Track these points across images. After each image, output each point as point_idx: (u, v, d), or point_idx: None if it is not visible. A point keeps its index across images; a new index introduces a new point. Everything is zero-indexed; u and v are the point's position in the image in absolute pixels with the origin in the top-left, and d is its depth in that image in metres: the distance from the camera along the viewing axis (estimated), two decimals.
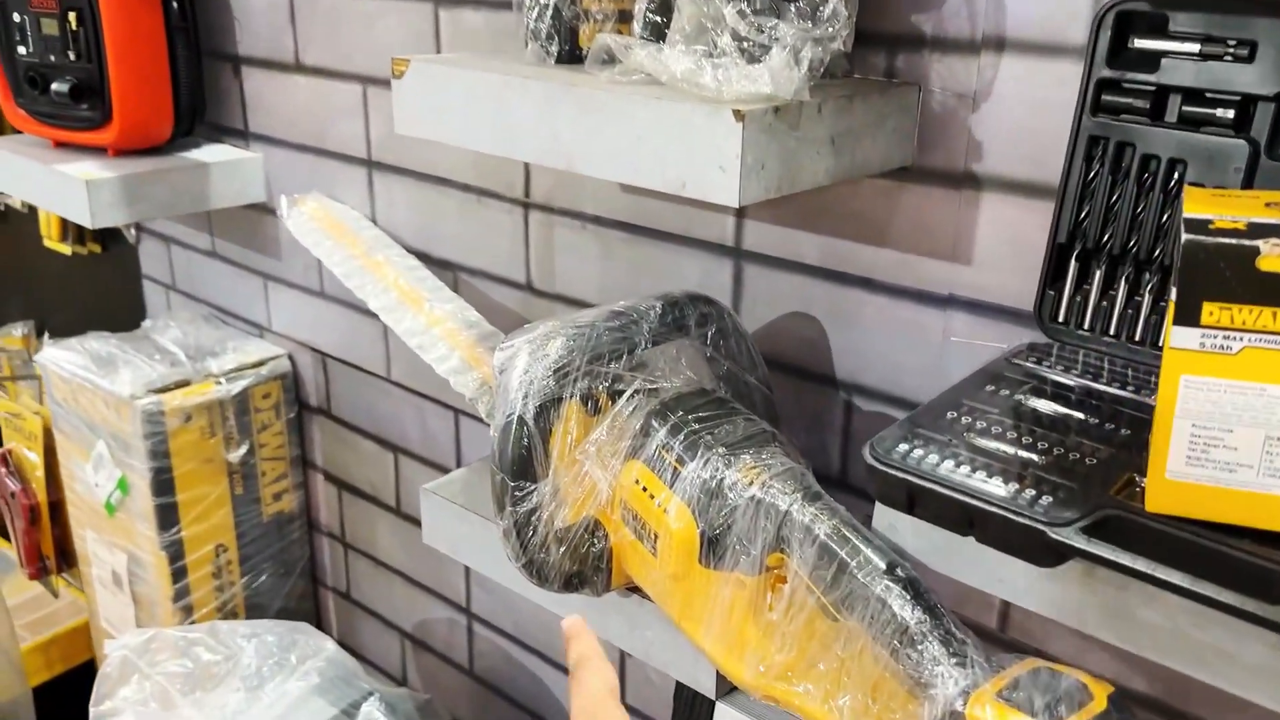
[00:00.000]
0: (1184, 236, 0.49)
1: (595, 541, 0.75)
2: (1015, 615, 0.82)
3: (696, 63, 0.65)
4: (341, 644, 1.35)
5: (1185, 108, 0.65)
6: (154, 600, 1.42)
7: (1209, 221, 0.49)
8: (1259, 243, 0.47)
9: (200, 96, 1.33)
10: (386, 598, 1.46)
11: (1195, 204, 0.51)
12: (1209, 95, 0.64)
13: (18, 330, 2.04)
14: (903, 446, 0.60)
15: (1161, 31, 0.64)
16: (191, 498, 1.37)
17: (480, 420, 1.01)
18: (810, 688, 0.64)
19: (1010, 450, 0.60)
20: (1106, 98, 0.67)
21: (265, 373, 1.40)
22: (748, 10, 0.65)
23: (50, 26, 1.24)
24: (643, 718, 1.16)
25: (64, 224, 1.79)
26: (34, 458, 1.68)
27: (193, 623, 1.41)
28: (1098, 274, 0.69)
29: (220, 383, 1.36)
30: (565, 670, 1.21)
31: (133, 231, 1.63)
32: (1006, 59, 0.72)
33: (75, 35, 1.22)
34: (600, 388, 0.74)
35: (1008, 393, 0.66)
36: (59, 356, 1.40)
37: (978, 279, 0.77)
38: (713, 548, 0.68)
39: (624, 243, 1.00)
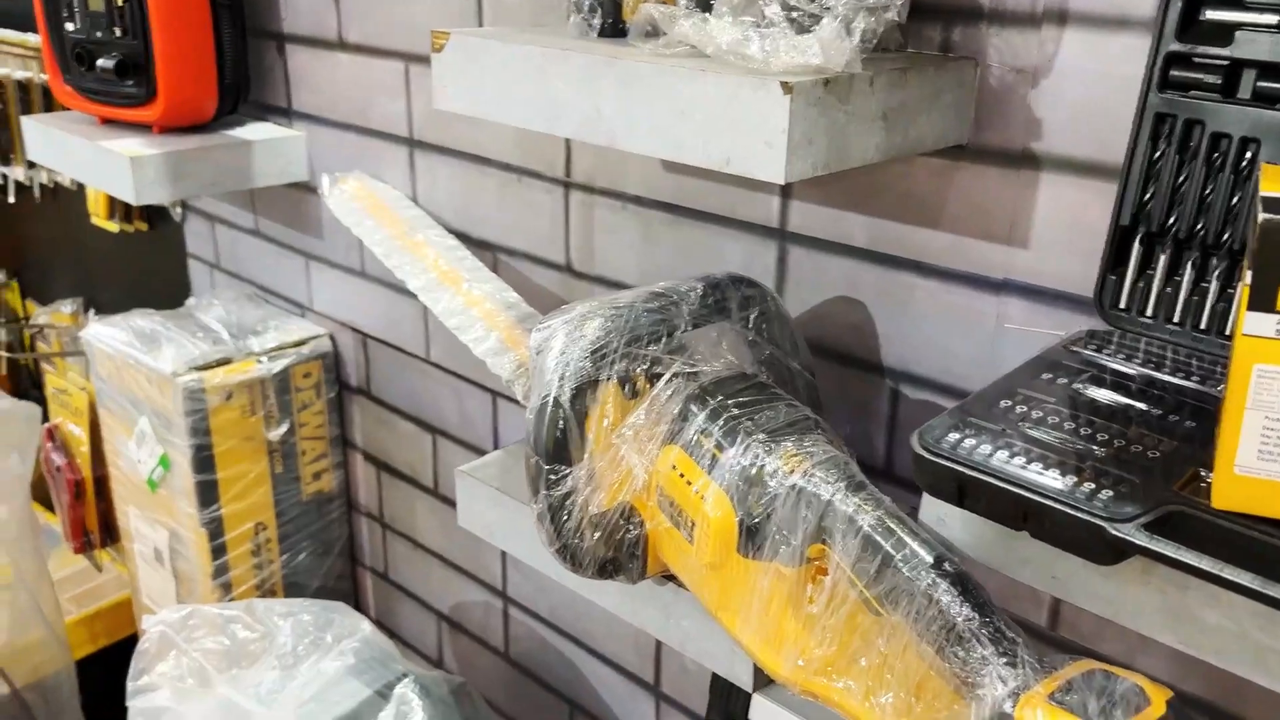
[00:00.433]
0: (1261, 216, 0.46)
1: (630, 528, 0.73)
2: (1066, 613, 0.79)
3: (743, 33, 0.63)
4: (378, 624, 1.35)
5: (1260, 83, 0.61)
6: (194, 577, 1.43)
7: None
8: None
9: (244, 74, 1.33)
10: (424, 579, 1.46)
11: (1272, 182, 0.48)
12: None
13: (66, 307, 2.07)
14: (953, 436, 0.58)
15: (1236, 2, 0.61)
16: (231, 475, 1.37)
17: (518, 402, 1.00)
18: (851, 684, 0.62)
19: (1068, 441, 0.57)
20: (1175, 73, 0.63)
21: (306, 352, 1.40)
22: None
23: (97, 2, 1.24)
24: (678, 707, 1.14)
25: (111, 201, 1.81)
26: (79, 433, 1.70)
27: (231, 600, 1.42)
28: (1162, 258, 0.66)
29: (261, 361, 1.37)
30: (600, 656, 1.20)
31: (179, 210, 1.64)
32: (1069, 32, 0.69)
33: (121, 11, 1.22)
34: (638, 370, 0.72)
35: (1065, 381, 0.63)
36: (104, 333, 1.41)
37: (1035, 263, 0.74)
38: (751, 537, 0.66)
39: (666, 224, 0.98)
